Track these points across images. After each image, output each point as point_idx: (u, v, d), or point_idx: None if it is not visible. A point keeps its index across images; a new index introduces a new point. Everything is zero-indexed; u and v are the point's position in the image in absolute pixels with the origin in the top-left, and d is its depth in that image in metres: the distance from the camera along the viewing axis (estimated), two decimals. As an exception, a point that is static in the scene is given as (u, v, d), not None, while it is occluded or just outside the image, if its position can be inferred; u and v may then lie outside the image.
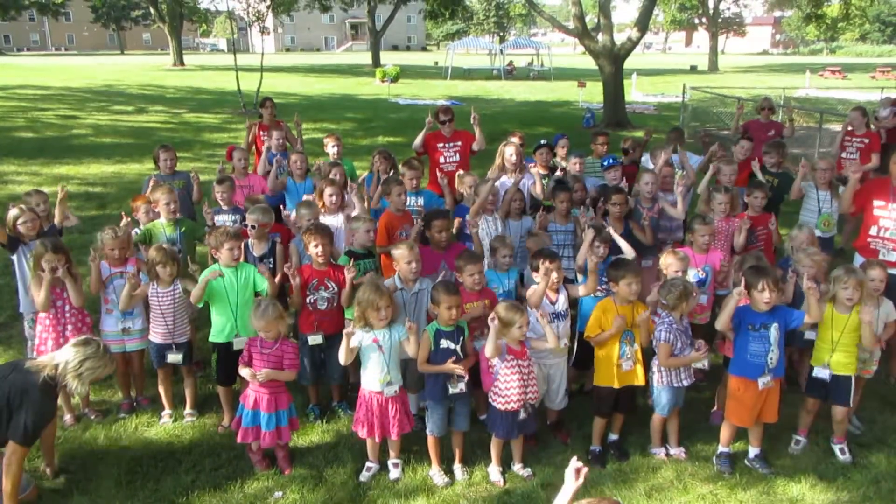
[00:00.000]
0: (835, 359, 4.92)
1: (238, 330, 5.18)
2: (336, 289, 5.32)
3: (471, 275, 4.94)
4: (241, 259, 5.34)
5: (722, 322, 4.83)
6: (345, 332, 4.55)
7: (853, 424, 5.42)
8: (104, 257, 5.46)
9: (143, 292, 5.29)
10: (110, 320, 5.51)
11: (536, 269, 5.00)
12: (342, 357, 4.62)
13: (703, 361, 4.92)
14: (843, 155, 9.25)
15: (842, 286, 4.86)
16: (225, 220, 6.46)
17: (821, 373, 4.96)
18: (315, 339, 5.33)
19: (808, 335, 5.23)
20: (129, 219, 6.03)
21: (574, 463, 2.79)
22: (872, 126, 9.81)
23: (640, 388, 5.10)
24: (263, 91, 22.49)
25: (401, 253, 5.11)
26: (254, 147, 9.29)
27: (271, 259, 5.89)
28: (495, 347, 4.49)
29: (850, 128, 9.32)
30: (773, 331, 4.71)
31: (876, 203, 6.00)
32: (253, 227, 5.77)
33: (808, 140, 15.46)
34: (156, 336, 5.38)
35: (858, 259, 6.02)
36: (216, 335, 5.24)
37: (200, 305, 5.21)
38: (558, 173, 7.62)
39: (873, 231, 6.01)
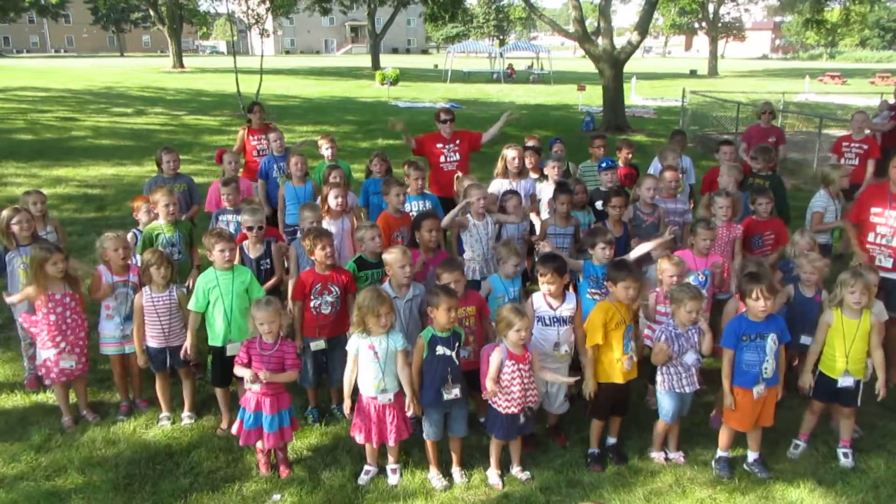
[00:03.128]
0: (851, 367, 4.90)
1: (232, 335, 5.17)
2: (339, 293, 5.30)
3: (448, 283, 4.89)
4: (237, 261, 5.33)
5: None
6: (349, 363, 4.62)
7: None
8: (106, 262, 5.47)
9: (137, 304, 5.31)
10: (110, 325, 5.49)
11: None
12: (348, 373, 4.66)
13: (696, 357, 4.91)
14: (842, 161, 9.22)
15: (849, 290, 4.83)
16: (229, 219, 6.46)
17: (846, 381, 4.90)
18: (318, 345, 5.32)
19: (805, 339, 5.23)
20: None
21: None
22: (867, 130, 9.81)
23: (635, 389, 5.08)
24: (263, 94, 22.53)
25: (394, 257, 5.09)
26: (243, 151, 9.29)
27: (268, 260, 5.88)
28: (494, 383, 4.54)
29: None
30: (770, 341, 4.68)
31: (873, 210, 6.00)
32: (250, 228, 5.75)
33: (808, 145, 15.48)
34: (152, 341, 5.36)
35: None
36: (214, 339, 5.22)
37: (202, 310, 5.18)
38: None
39: (871, 237, 6.01)
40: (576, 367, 5.48)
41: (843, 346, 4.88)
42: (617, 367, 4.85)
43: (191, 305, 5.17)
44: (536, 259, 5.36)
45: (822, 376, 5.03)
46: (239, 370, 4.74)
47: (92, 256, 5.59)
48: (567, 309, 5.01)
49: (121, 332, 5.47)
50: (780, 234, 6.53)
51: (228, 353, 5.15)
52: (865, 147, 9.19)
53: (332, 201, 6.37)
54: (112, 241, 5.43)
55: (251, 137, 9.04)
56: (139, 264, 5.46)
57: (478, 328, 5.08)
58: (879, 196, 6.00)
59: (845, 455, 5.04)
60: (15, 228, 5.64)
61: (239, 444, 4.86)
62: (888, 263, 5.87)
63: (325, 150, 8.01)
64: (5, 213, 5.70)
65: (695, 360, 4.87)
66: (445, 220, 6.15)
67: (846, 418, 5.07)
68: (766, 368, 4.69)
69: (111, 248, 5.42)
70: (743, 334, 4.71)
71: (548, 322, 4.96)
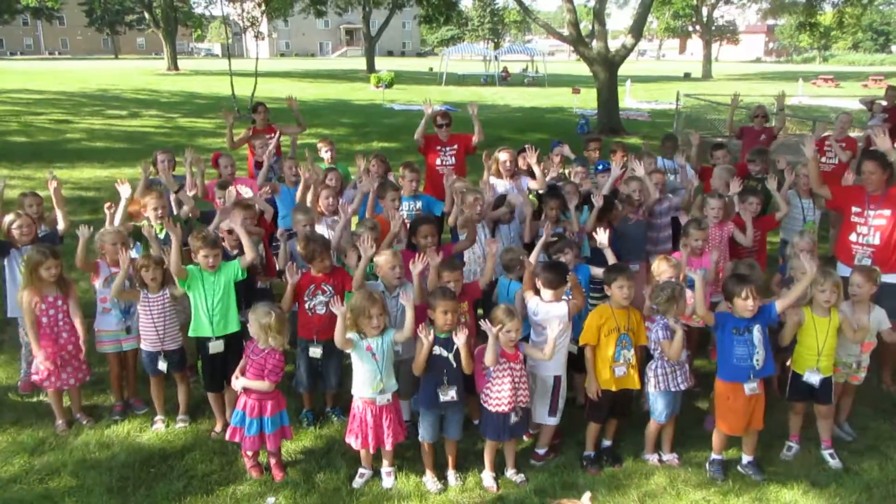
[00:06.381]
0: (822, 364, 4.95)
1: (215, 332, 5.19)
2: (332, 292, 5.30)
3: (447, 282, 4.94)
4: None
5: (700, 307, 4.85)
6: (337, 309, 4.51)
7: (845, 431, 5.45)
8: (103, 256, 5.51)
9: (132, 294, 5.30)
10: (109, 319, 5.52)
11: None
12: (338, 339, 4.57)
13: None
14: (823, 160, 9.35)
15: (819, 289, 4.90)
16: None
17: (812, 378, 4.97)
18: (315, 353, 5.33)
19: None
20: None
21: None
22: (864, 132, 9.94)
23: (635, 392, 5.11)
24: (258, 96, 22.45)
25: (385, 259, 5.12)
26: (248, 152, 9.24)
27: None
28: (494, 356, 4.50)
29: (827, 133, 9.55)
30: (756, 332, 4.73)
31: (853, 209, 6.08)
32: (230, 231, 5.72)
33: (801, 147, 15.52)
34: (146, 343, 5.36)
35: (841, 267, 6.03)
36: (195, 329, 5.21)
37: (184, 287, 5.15)
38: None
39: (853, 238, 6.07)
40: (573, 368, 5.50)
41: (816, 344, 4.94)
42: (608, 374, 4.88)
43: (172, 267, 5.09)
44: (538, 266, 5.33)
45: (795, 376, 5.08)
46: (236, 374, 4.78)
47: (90, 258, 5.57)
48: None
49: (122, 326, 5.50)
50: (765, 229, 6.62)
51: (212, 351, 5.18)
52: (844, 146, 9.38)
53: (324, 202, 6.38)
54: (110, 235, 5.49)
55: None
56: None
57: (471, 323, 5.09)
58: (858, 198, 6.08)
59: (832, 456, 5.09)
60: (15, 232, 5.68)
61: (226, 437, 4.90)
62: (865, 263, 5.90)
63: (324, 153, 8.01)
64: (8, 217, 5.74)
65: (686, 356, 4.96)
66: (451, 218, 6.15)
67: (823, 418, 5.12)
68: (757, 361, 4.73)
69: (109, 242, 5.46)
70: (732, 327, 4.77)
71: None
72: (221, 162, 7.59)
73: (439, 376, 4.63)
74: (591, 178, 7.72)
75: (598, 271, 5.55)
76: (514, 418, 4.67)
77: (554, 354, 4.75)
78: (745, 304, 4.68)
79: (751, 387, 4.74)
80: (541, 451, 5.13)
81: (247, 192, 6.62)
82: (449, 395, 4.64)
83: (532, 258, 5.31)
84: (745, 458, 5.00)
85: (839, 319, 4.96)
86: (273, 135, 8.71)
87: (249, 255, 5.26)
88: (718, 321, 4.85)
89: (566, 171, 7.85)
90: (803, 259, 4.83)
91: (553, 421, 5.05)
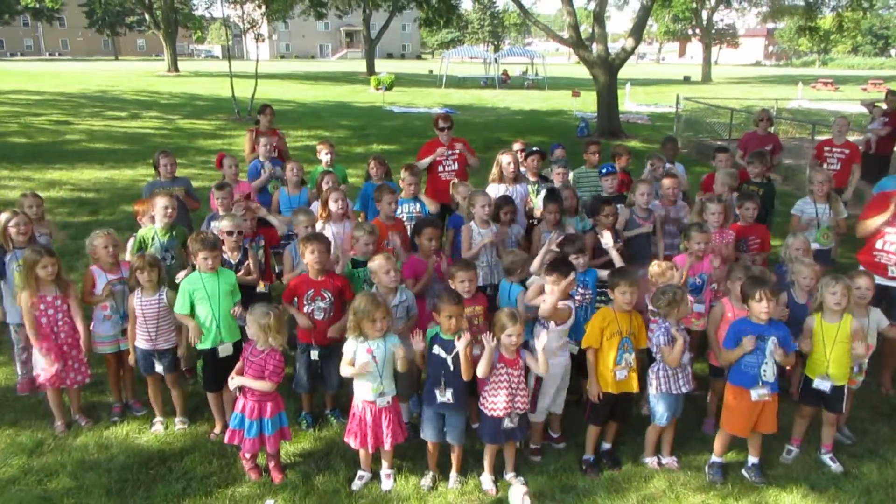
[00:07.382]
0: (832, 371, 4.93)
1: (223, 336, 5.17)
2: (332, 298, 5.30)
3: (461, 281, 4.95)
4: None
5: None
6: (345, 362, 4.58)
7: (844, 435, 5.45)
8: (97, 261, 5.47)
9: (130, 305, 5.33)
10: (107, 325, 5.50)
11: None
12: (345, 371, 4.61)
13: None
14: (824, 166, 9.24)
15: (829, 291, 4.87)
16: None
17: (821, 384, 4.95)
18: (315, 355, 5.34)
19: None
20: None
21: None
22: (864, 136, 9.85)
23: (635, 396, 5.11)
24: (258, 98, 22.47)
25: (378, 264, 5.10)
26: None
27: (248, 264, 5.87)
28: (488, 368, 4.51)
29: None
30: (770, 344, 4.70)
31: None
32: (230, 233, 5.76)
33: (801, 151, 15.55)
34: (140, 341, 5.36)
35: None
36: (202, 342, 5.20)
37: (187, 312, 5.16)
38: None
39: (879, 245, 6.04)
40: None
41: (825, 350, 4.92)
42: (608, 376, 4.87)
43: (176, 308, 5.16)
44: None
45: (808, 380, 5.08)
46: (233, 375, 4.77)
47: (86, 260, 5.56)
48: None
49: (118, 329, 5.49)
50: (765, 239, 6.59)
51: (221, 354, 5.16)
52: (847, 152, 9.21)
53: (333, 205, 6.37)
54: (102, 238, 5.45)
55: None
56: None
57: (485, 328, 5.08)
58: (888, 204, 6.03)
59: (832, 460, 5.09)
60: (12, 231, 5.64)
61: (224, 441, 4.90)
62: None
63: (324, 155, 8.00)
64: (4, 215, 5.70)
65: (688, 359, 4.93)
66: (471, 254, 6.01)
67: (829, 425, 5.11)
68: (765, 371, 4.71)
69: (101, 246, 5.43)
70: (744, 335, 4.74)
71: (551, 328, 4.96)
72: (226, 162, 7.58)
73: (438, 376, 4.64)
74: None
75: (604, 274, 5.55)
76: (508, 423, 4.66)
77: (547, 367, 4.74)
78: (760, 306, 4.65)
79: (758, 393, 4.72)
80: (536, 446, 5.22)
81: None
82: (445, 396, 4.64)
83: (536, 263, 5.33)
84: (751, 460, 4.99)
85: (852, 329, 4.91)
86: (276, 138, 8.70)
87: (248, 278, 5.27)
88: (733, 326, 4.83)
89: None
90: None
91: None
